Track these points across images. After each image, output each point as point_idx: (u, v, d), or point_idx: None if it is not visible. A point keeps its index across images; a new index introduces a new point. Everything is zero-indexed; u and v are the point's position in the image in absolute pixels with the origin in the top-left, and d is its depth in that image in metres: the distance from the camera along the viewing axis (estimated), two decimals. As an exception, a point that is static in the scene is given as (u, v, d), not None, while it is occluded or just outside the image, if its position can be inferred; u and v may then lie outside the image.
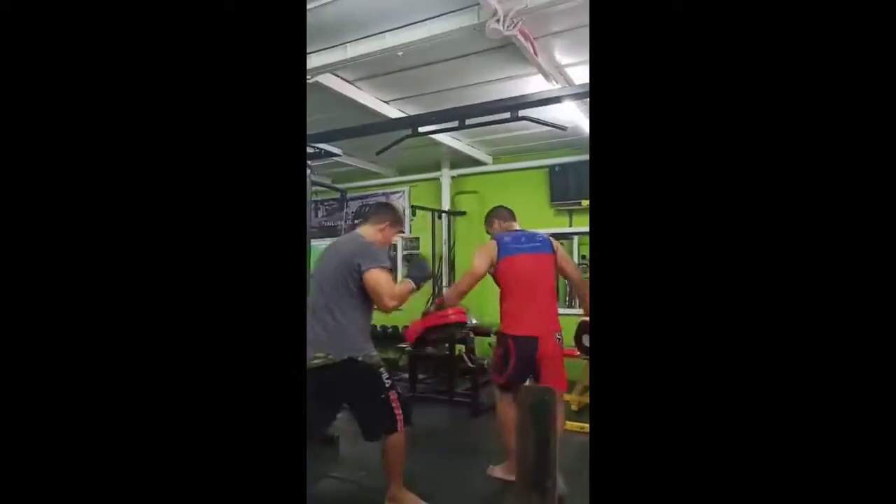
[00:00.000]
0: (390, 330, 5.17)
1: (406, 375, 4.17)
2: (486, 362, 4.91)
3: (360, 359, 1.89)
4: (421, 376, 4.25)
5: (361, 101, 3.65)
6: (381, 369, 1.96)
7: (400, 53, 2.85)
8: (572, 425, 3.10)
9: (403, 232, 2.46)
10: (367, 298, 1.94)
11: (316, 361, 1.82)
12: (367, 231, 2.11)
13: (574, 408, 3.56)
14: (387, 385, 1.94)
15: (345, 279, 1.89)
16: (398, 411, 1.94)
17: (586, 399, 3.59)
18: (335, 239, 2.07)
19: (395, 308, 1.95)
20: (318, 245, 6.17)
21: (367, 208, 2.21)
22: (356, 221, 2.20)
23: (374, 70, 3.33)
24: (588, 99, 2.44)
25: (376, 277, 1.90)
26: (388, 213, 2.19)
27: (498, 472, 2.40)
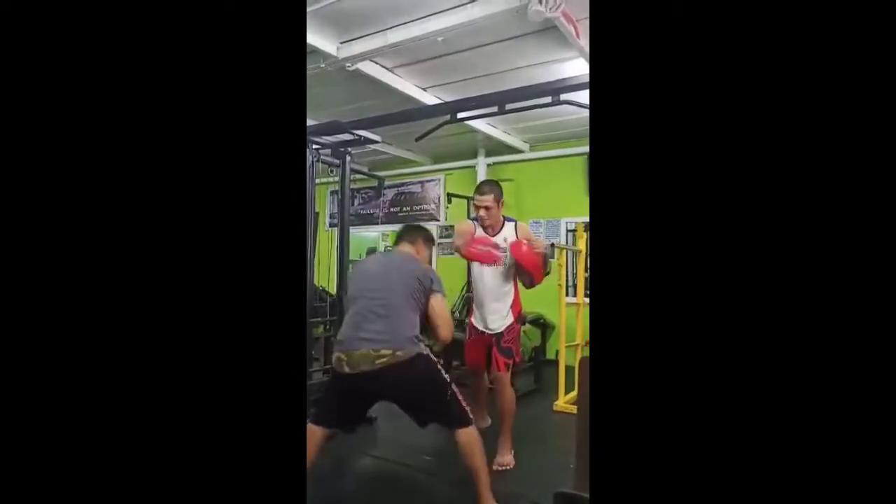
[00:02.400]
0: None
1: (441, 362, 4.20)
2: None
3: (425, 353, 1.88)
4: (455, 363, 4.28)
5: (400, 88, 3.66)
6: (439, 365, 1.96)
7: (440, 39, 2.85)
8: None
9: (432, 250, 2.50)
10: (422, 311, 1.96)
11: (381, 360, 1.79)
12: (412, 251, 2.15)
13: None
14: (447, 380, 1.93)
15: (411, 289, 1.91)
16: (465, 405, 1.92)
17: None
18: (377, 255, 2.03)
19: (448, 340, 2.00)
20: (356, 233, 6.27)
21: (404, 229, 2.27)
22: (398, 238, 2.19)
23: (413, 57, 3.34)
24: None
25: (442, 304, 1.98)
26: (421, 233, 2.25)
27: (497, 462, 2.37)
